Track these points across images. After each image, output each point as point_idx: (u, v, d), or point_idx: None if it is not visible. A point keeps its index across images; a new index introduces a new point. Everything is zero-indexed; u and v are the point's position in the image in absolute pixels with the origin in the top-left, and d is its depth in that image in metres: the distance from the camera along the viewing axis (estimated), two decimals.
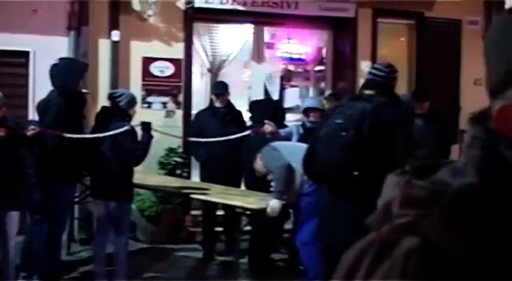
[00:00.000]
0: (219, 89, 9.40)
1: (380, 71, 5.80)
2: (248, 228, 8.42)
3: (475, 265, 1.03)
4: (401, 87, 11.78)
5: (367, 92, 5.71)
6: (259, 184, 7.57)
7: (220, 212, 9.24)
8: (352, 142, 5.36)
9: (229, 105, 9.32)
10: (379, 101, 5.54)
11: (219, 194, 8.02)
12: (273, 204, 7.14)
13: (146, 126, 7.45)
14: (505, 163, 1.12)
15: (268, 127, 7.74)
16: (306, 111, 8.27)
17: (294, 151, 7.06)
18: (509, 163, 1.12)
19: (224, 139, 8.46)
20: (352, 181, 5.30)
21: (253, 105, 9.13)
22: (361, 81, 11.22)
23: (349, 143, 5.37)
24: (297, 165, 6.88)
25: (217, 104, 9.19)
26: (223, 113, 9.13)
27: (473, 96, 10.31)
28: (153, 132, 7.55)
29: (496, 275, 1.03)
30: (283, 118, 9.24)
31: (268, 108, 8.80)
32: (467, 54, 11.40)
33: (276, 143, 7.44)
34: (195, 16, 10.60)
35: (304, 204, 7.16)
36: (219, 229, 9.36)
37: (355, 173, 5.33)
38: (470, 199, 1.08)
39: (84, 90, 7.89)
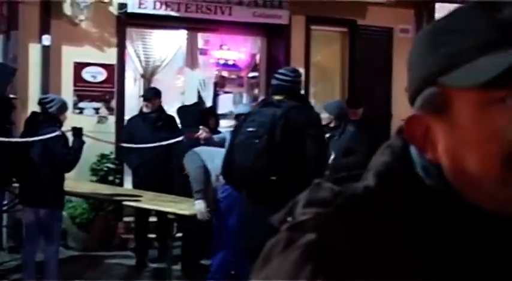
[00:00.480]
0: (147, 94, 9.41)
1: (286, 76, 5.86)
2: (180, 234, 8.41)
3: (362, 265, 1.05)
4: (334, 94, 11.96)
5: (277, 97, 5.78)
6: (190, 189, 7.59)
7: (153, 219, 9.19)
8: (266, 148, 5.46)
9: (161, 111, 9.30)
10: (289, 105, 5.62)
11: (151, 201, 7.99)
12: (197, 205, 7.15)
13: (77, 131, 7.37)
14: (411, 171, 1.16)
15: (203, 133, 7.75)
16: (238, 117, 8.31)
17: (213, 155, 7.15)
18: (416, 171, 1.16)
19: (155, 145, 8.46)
20: (270, 186, 5.36)
21: (181, 111, 9.07)
22: None
23: (263, 149, 5.46)
24: (213, 169, 6.96)
25: (146, 109, 9.18)
26: (153, 119, 9.11)
27: (404, 103, 10.05)
28: (85, 138, 7.48)
29: (376, 275, 1.05)
30: (217, 124, 9.26)
31: (197, 113, 8.78)
32: (399, 61, 11.56)
33: (197, 148, 7.49)
34: (128, 21, 10.54)
35: (222, 209, 7.25)
36: (152, 235, 9.31)
37: (273, 178, 5.41)
38: (362, 201, 1.12)
39: (11, 96, 7.77)
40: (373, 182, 1.14)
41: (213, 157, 7.11)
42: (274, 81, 5.93)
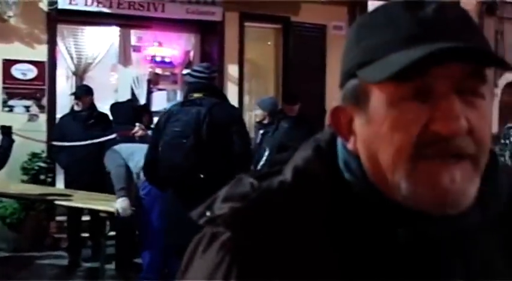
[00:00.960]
0: (78, 92, 9.38)
1: (202, 72, 5.87)
2: (113, 233, 8.35)
3: (275, 261, 1.06)
4: (268, 91, 12.03)
5: (196, 95, 5.77)
6: None
7: (85, 218, 9.11)
8: (194, 147, 5.48)
9: (92, 109, 9.21)
10: (211, 103, 5.65)
11: (84, 199, 7.91)
12: (121, 203, 7.11)
13: (6, 130, 7.28)
14: (334, 166, 1.17)
15: (139, 130, 7.73)
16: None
17: (133, 153, 7.16)
18: (341, 164, 1.17)
19: (87, 143, 8.38)
20: (198, 183, 5.37)
21: (114, 108, 8.98)
22: (229, 84, 11.40)
23: (191, 148, 5.49)
24: (134, 167, 6.97)
25: (77, 107, 9.11)
26: (85, 117, 9.01)
27: (338, 100, 10.60)
28: (15, 137, 7.39)
29: (288, 273, 1.06)
30: (151, 121, 9.22)
31: (130, 111, 8.73)
32: (332, 58, 11.67)
33: (117, 146, 7.46)
34: (58, 18, 10.40)
35: (145, 206, 7.26)
36: (85, 234, 9.22)
37: (201, 175, 5.43)
38: (277, 195, 1.13)
39: None
40: (290, 176, 1.15)
41: (133, 155, 7.11)
42: (190, 79, 5.94)
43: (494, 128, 14.13)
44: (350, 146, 1.15)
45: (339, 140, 1.19)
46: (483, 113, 1.08)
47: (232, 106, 6.12)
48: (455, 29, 1.08)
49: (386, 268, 1.09)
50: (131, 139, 7.69)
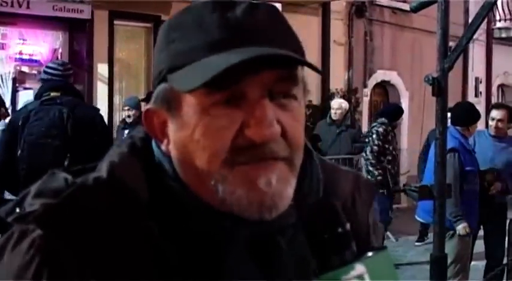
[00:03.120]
0: None
1: (57, 70, 5.84)
2: None
3: (87, 259, 1.04)
4: (139, 90, 12.09)
5: (53, 93, 5.71)
6: None
7: None
8: (61, 147, 5.50)
9: None
10: (71, 102, 5.65)
11: None
12: None
13: None
14: (150, 163, 1.16)
15: None
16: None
17: None
18: (154, 163, 1.16)
19: None
20: None
21: None
22: (98, 83, 11.40)
23: (59, 148, 5.51)
24: None
25: None
26: None
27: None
28: None
29: (100, 271, 1.04)
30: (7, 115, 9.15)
31: None
32: None
33: None
34: None
35: None
36: None
37: None
38: (91, 192, 1.10)
39: None
40: (105, 173, 1.12)
41: None
42: (44, 76, 5.89)
43: (364, 126, 14.68)
44: (164, 147, 1.15)
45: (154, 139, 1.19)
46: (295, 114, 1.11)
47: (94, 107, 6.20)
48: (265, 32, 1.08)
49: (202, 267, 1.09)
50: None
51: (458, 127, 6.78)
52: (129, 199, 1.10)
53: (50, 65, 6.02)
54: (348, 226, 1.22)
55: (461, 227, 6.54)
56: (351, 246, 1.20)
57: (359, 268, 1.12)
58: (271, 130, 1.05)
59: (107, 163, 1.15)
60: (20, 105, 13.10)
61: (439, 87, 4.64)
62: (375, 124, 10.17)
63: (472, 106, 7.54)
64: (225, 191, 1.07)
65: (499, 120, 7.17)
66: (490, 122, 7.27)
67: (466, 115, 6.94)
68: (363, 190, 1.35)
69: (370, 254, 1.16)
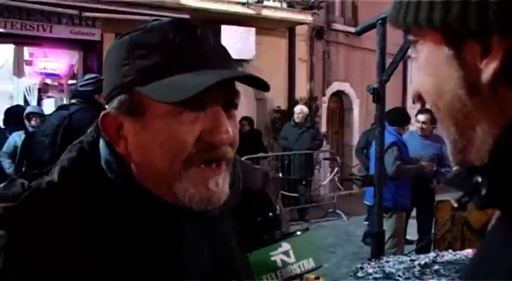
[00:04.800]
0: None
1: (81, 81, 5.84)
2: None
3: (43, 259, 0.99)
4: None
5: (72, 101, 5.78)
6: None
7: None
8: (50, 144, 5.44)
9: None
10: (76, 108, 5.56)
11: None
12: None
13: None
14: (97, 165, 1.11)
15: None
16: (28, 116, 8.26)
17: None
18: (101, 165, 1.11)
19: None
20: None
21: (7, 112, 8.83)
22: None
23: (47, 145, 5.45)
24: None
25: None
26: None
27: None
28: None
29: (53, 268, 0.99)
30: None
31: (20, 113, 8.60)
32: None
33: None
34: None
35: None
36: None
37: None
38: (44, 195, 1.05)
39: None
40: (56, 177, 1.08)
41: None
42: (72, 87, 5.98)
43: (323, 127, 14.78)
44: (120, 149, 1.10)
45: (102, 143, 1.14)
46: (236, 121, 1.12)
47: (97, 112, 6.10)
48: (217, 54, 1.08)
49: (143, 259, 1.06)
50: None
51: (394, 127, 6.92)
52: (75, 201, 1.05)
53: (84, 78, 5.87)
54: (278, 211, 1.23)
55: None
56: (280, 228, 1.20)
57: (285, 245, 1.14)
58: (227, 135, 1.06)
59: (58, 167, 1.11)
60: (45, 111, 13.14)
61: (378, 95, 4.64)
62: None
63: (404, 111, 7.75)
64: (179, 188, 1.06)
65: (423, 122, 7.32)
66: (417, 124, 7.43)
67: (399, 117, 7.09)
68: (271, 183, 1.37)
69: (298, 233, 1.17)
